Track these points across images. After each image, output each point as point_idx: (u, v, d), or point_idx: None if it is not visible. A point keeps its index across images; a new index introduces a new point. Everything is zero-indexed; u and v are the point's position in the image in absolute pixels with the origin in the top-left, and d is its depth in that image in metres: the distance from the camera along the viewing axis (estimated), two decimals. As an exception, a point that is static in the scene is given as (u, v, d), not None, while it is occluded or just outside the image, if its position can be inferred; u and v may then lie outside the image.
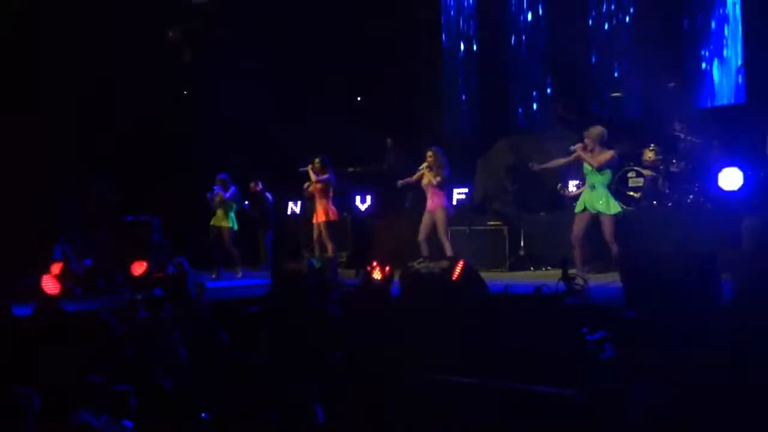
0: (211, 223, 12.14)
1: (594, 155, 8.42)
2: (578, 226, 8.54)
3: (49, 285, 9.30)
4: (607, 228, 8.36)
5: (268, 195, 13.18)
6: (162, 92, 14.99)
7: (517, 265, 10.90)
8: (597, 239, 8.68)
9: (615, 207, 8.48)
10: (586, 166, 8.50)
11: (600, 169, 8.40)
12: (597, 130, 8.56)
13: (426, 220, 10.06)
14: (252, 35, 14.78)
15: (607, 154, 8.46)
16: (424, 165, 10.02)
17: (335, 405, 4.91)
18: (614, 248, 8.34)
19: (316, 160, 10.99)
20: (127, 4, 13.60)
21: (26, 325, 7.26)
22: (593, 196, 8.44)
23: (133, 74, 14.09)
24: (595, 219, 8.49)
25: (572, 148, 8.62)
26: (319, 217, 10.71)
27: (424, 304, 7.38)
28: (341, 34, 14.87)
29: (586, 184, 8.58)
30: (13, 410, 4.79)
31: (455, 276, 7.75)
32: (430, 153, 10.05)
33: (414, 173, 11.54)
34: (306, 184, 11.20)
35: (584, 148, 8.47)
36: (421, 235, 10.03)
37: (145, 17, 13.93)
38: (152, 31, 14.71)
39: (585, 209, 8.50)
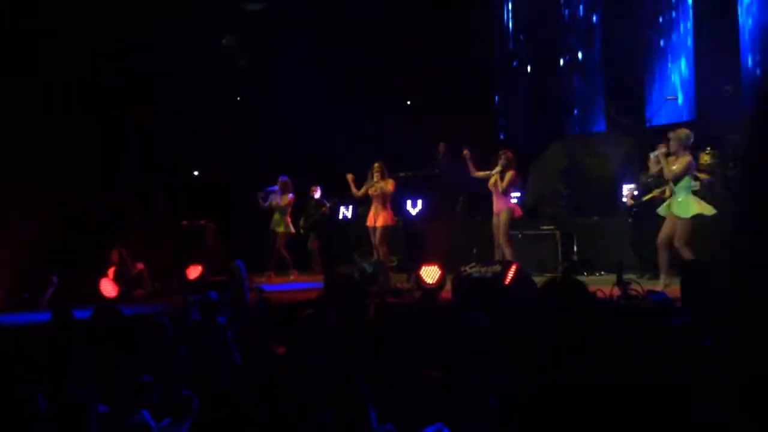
0: (271, 227, 12.26)
1: (671, 162, 8.16)
2: (663, 230, 8.30)
3: (107, 288, 9.47)
4: (678, 231, 8.09)
5: (326, 202, 13.26)
6: (216, 98, 15.16)
7: (571, 269, 10.79)
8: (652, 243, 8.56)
9: (690, 211, 8.13)
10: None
11: (674, 179, 8.17)
12: (684, 132, 8.25)
13: (495, 223, 9.96)
14: (305, 41, 14.88)
15: (683, 161, 8.14)
16: (497, 169, 9.87)
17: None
18: (684, 253, 8.03)
19: (376, 165, 10.75)
20: (179, 12, 13.79)
21: (86, 327, 7.42)
22: (672, 200, 8.25)
23: (188, 81, 14.30)
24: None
25: (652, 154, 8.38)
26: (379, 221, 10.63)
27: (476, 308, 7.33)
28: (393, 38, 14.91)
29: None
30: (74, 410, 4.91)
31: (508, 280, 7.71)
32: (502, 154, 9.93)
33: (466, 178, 11.46)
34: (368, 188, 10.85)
35: (666, 152, 8.21)
36: (496, 238, 9.92)
37: (198, 24, 14.11)
38: (207, 37, 14.88)
39: (669, 212, 8.28)
